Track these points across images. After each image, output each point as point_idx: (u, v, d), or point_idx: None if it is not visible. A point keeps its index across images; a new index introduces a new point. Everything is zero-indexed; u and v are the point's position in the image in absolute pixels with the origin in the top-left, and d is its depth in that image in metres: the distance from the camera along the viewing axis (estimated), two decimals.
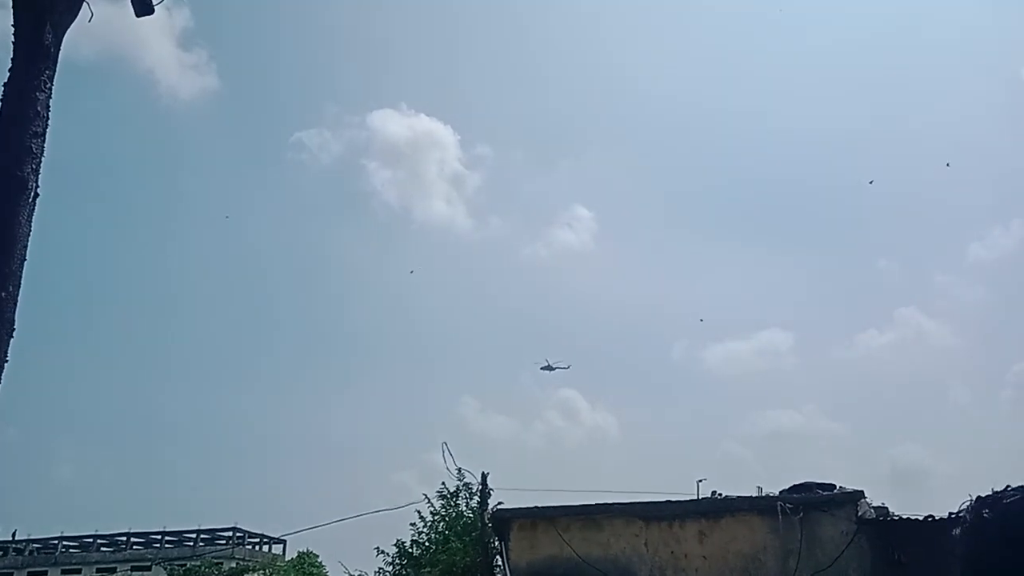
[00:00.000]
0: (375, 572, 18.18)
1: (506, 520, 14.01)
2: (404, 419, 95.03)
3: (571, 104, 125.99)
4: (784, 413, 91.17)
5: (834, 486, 12.78)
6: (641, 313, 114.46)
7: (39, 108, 3.66)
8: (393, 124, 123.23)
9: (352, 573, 20.86)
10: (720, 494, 13.80)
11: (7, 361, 3.33)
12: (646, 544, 13.49)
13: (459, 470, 15.78)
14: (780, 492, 13.14)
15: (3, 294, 3.29)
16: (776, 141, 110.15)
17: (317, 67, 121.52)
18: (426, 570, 15.83)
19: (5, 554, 73.98)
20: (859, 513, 12.36)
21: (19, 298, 3.35)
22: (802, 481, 13.25)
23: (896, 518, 12.35)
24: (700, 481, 14.74)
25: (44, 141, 3.67)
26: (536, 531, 13.78)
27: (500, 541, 14.50)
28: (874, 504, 12.68)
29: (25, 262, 3.44)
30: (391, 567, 17.20)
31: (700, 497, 14.00)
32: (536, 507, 13.66)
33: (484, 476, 15.20)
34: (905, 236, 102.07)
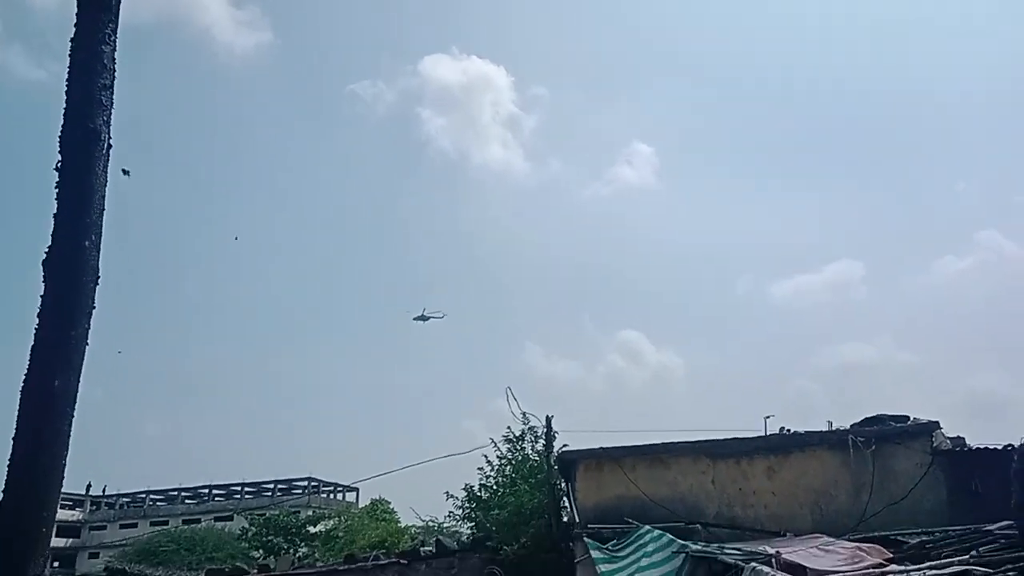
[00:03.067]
0: (445, 516, 18.69)
1: (572, 461, 14.16)
2: (470, 367, 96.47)
3: (626, 39, 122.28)
4: (856, 346, 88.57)
5: (908, 418, 12.51)
6: (705, 250, 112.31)
7: (105, 61, 3.72)
8: (445, 69, 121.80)
9: (423, 518, 21.52)
10: (789, 430, 13.65)
11: (95, 308, 3.45)
12: (713, 481, 13.49)
13: (524, 414, 15.99)
14: (851, 426, 12.93)
15: (86, 242, 3.39)
16: (841, 66, 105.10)
17: (368, 17, 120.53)
18: (494, 512, 16.15)
19: (98, 508, 78.64)
20: (934, 444, 12.10)
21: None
22: (874, 414, 13.01)
23: (972, 448, 12.04)
24: (768, 418, 14.58)
25: (112, 93, 3.73)
26: (602, 471, 13.89)
27: (566, 482, 14.67)
28: (950, 435, 12.38)
29: (104, 211, 3.54)
30: (460, 510, 17.61)
31: (768, 434, 13.88)
32: (601, 448, 13.76)
33: (548, 419, 15.37)
34: (982, 158, 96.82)
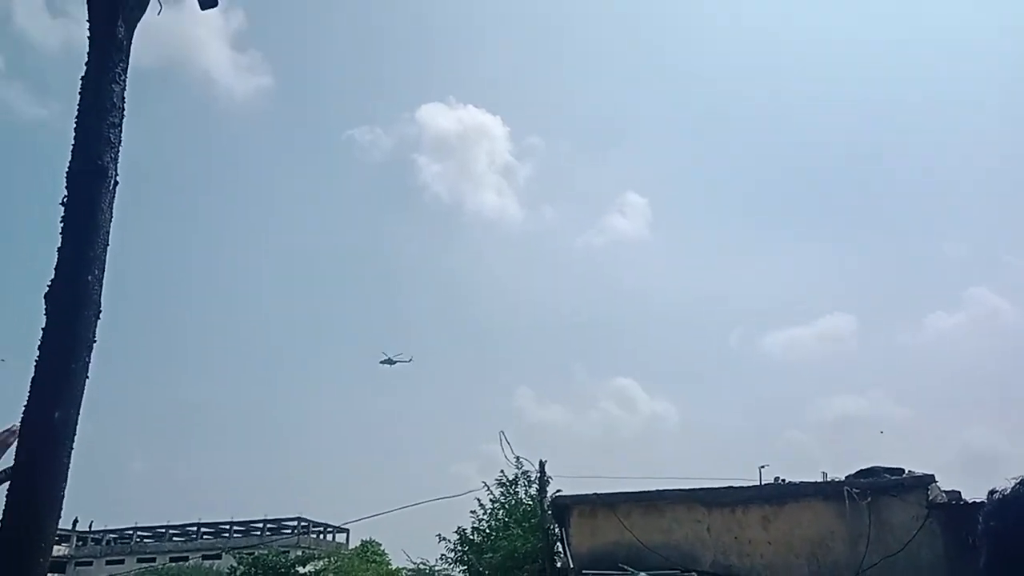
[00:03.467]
0: (437, 558, 18.43)
1: (566, 507, 14.04)
2: (462, 411, 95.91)
3: (619, 93, 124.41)
4: (848, 399, 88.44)
5: (903, 470, 12.45)
6: (698, 301, 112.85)
7: (115, 99, 3.81)
8: (442, 118, 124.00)
9: (414, 561, 21.23)
10: (783, 480, 13.57)
11: (95, 342, 3.49)
12: (708, 530, 13.37)
13: (517, 458, 15.90)
14: (846, 477, 12.86)
15: (90, 277, 3.44)
16: (835, 124, 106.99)
17: (367, 64, 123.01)
18: (487, 556, 15.95)
19: (85, 544, 77.32)
20: (930, 497, 12.02)
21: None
22: (869, 466, 12.94)
23: (968, 502, 11.96)
24: (762, 467, 14.55)
25: (120, 131, 3.82)
26: (596, 518, 13.78)
27: (560, 527, 14.53)
28: (946, 489, 12.31)
29: (108, 247, 3.60)
30: (453, 553, 17.38)
31: (763, 483, 13.79)
32: (595, 494, 13.66)
33: (542, 464, 15.27)
34: (972, 217, 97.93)
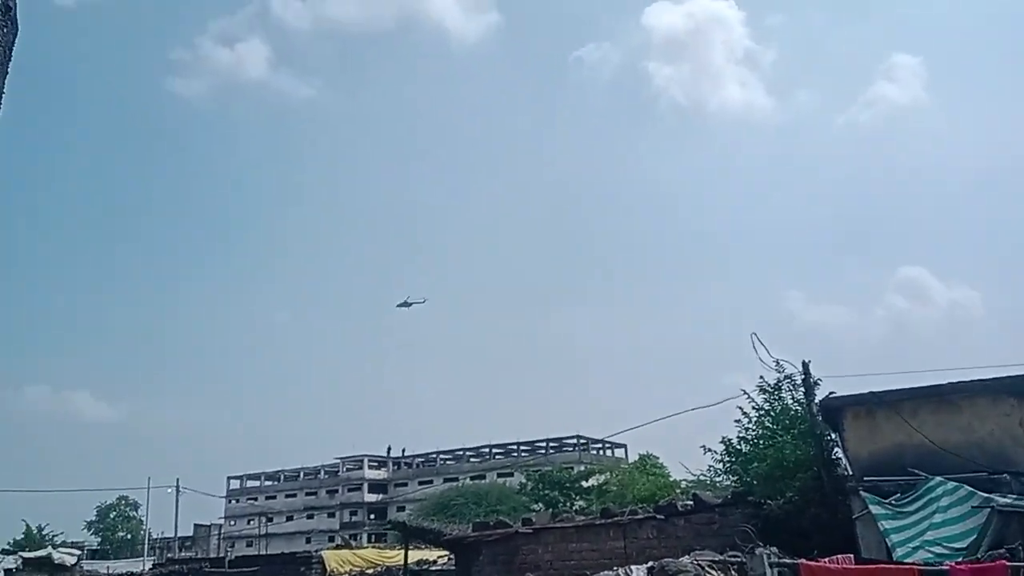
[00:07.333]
0: (704, 470, 18.02)
1: (838, 409, 12.78)
2: (729, 320, 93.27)
3: None
4: None
5: None
6: (997, 166, 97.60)
7: None
8: (669, 16, 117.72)
9: (693, 473, 21.04)
10: None
11: None
12: (1021, 424, 11.40)
13: (776, 361, 14.74)
14: None
15: None
16: None
17: None
18: (754, 465, 15.15)
19: (399, 468, 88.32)
20: None
21: None
22: None
23: None
24: None
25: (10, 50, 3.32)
26: (875, 418, 12.38)
27: (835, 432, 13.29)
28: None
29: None
30: (720, 464, 16.82)
31: None
32: (871, 392, 12.22)
33: (806, 365, 13.97)
34: None
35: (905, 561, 10.17)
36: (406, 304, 75.70)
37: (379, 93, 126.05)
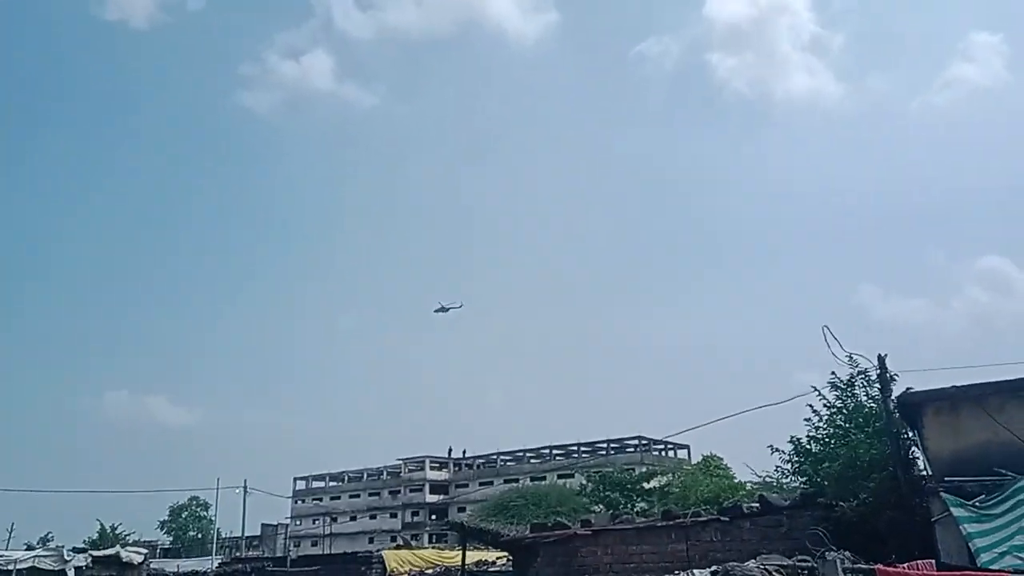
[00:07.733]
0: (772, 470, 17.30)
1: (917, 405, 11.97)
2: (799, 316, 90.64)
3: None
4: None
5: None
6: None
7: None
8: (731, 5, 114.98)
9: (759, 474, 20.27)
10: None
11: None
12: None
13: (849, 356, 13.98)
14: None
15: None
16: None
17: None
18: (825, 465, 14.38)
19: (460, 469, 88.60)
20: None
21: None
22: None
23: None
24: None
25: None
26: (958, 415, 11.56)
27: (913, 429, 12.48)
28: None
29: None
30: (789, 464, 16.09)
31: None
32: (954, 387, 11.40)
33: (882, 359, 13.17)
34: None
35: (991, 568, 9.49)
36: (443, 309, 76.29)
37: (441, 98, 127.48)
